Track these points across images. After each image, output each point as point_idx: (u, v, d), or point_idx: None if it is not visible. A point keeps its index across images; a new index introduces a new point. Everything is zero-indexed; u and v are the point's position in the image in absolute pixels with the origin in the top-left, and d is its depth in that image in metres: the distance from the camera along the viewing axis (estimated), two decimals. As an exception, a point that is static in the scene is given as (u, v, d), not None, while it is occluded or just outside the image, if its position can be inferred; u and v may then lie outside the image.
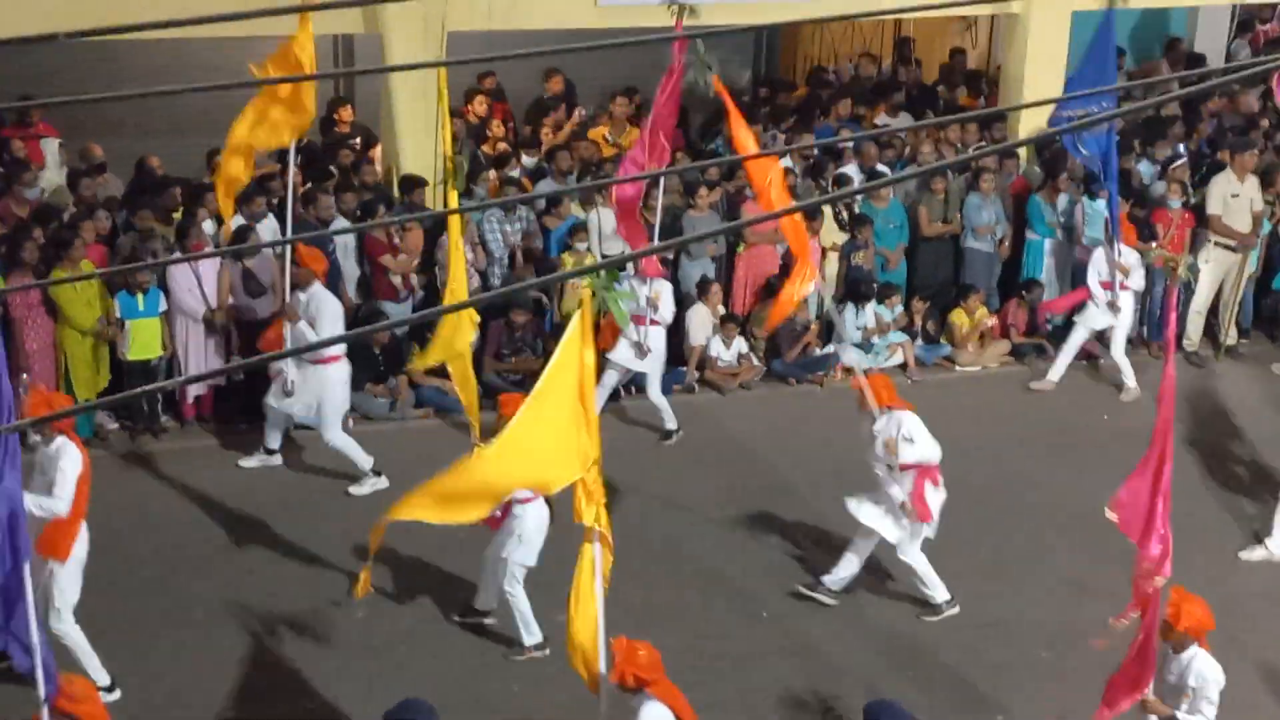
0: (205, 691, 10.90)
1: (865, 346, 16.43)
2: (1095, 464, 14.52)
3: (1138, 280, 16.10)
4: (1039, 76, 17.55)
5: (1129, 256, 15.92)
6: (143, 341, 14.19)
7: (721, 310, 16.15)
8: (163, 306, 14.29)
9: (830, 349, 16.41)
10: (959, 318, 16.87)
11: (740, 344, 16.17)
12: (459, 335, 12.75)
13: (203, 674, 11.09)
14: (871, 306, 16.36)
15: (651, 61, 19.65)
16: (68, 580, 10.44)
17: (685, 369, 15.94)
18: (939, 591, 11.97)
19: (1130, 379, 16.15)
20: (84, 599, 11.21)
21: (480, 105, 17.97)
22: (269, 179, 15.32)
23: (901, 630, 11.88)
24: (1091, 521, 13.03)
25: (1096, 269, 15.99)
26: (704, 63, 12.92)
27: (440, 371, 14.86)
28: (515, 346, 15.41)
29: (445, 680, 10.86)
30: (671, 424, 14.94)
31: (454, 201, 12.40)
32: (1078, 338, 16.33)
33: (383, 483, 13.61)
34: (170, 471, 13.96)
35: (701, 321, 15.99)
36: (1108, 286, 15.94)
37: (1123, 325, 16.21)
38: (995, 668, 11.43)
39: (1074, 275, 17.05)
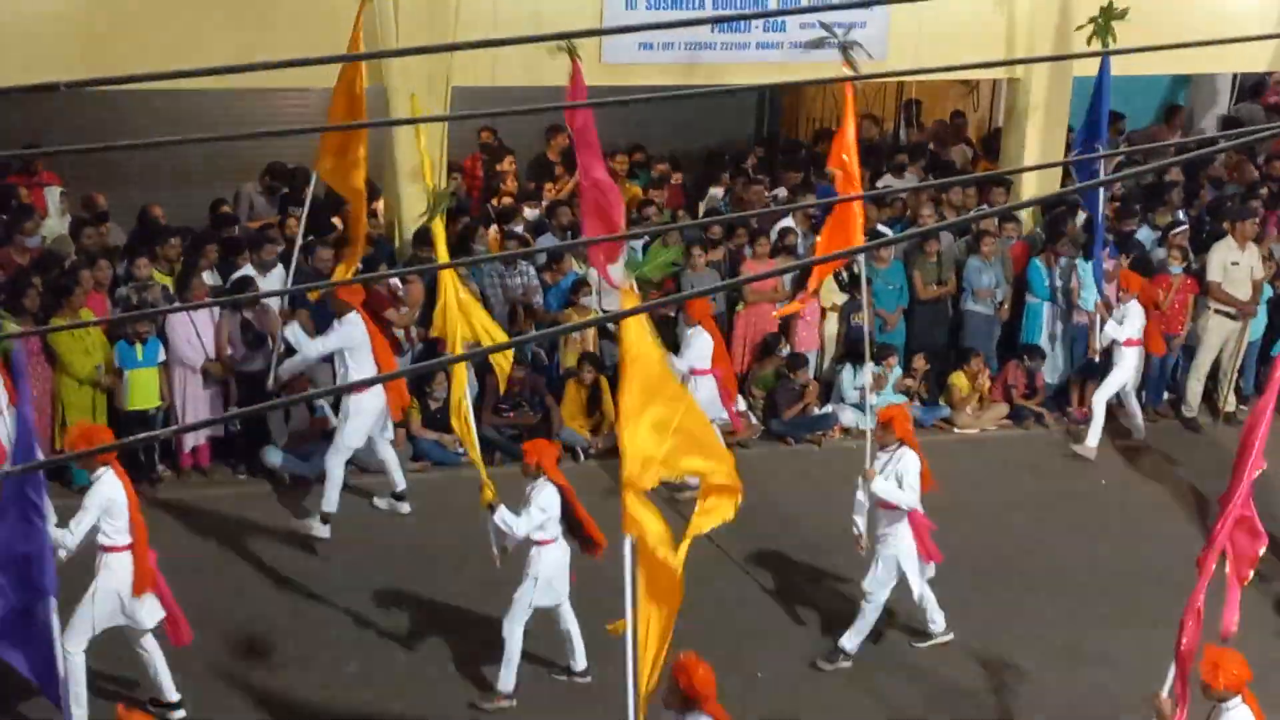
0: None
1: (863, 407, 16.41)
2: (1093, 528, 14.55)
3: (1127, 331, 15.97)
4: (1040, 140, 17.60)
5: (1131, 309, 15.90)
6: (141, 391, 14.17)
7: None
8: (161, 357, 14.28)
9: (829, 409, 16.40)
10: (959, 380, 16.87)
11: (739, 402, 16.16)
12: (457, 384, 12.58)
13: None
14: (869, 366, 16.36)
15: (657, 118, 19.80)
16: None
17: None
18: (854, 642, 12.03)
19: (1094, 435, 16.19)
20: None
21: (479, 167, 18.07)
22: (269, 228, 15.36)
23: (897, 695, 11.83)
24: (1089, 586, 13.09)
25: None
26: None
27: (438, 425, 14.88)
28: (514, 401, 15.40)
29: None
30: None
31: (439, 231, 12.20)
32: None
33: (324, 531, 13.57)
34: (166, 522, 13.89)
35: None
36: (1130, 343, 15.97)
37: (1121, 375, 16.16)
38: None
39: (1072, 340, 17.07)
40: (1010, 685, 11.97)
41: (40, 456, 9.16)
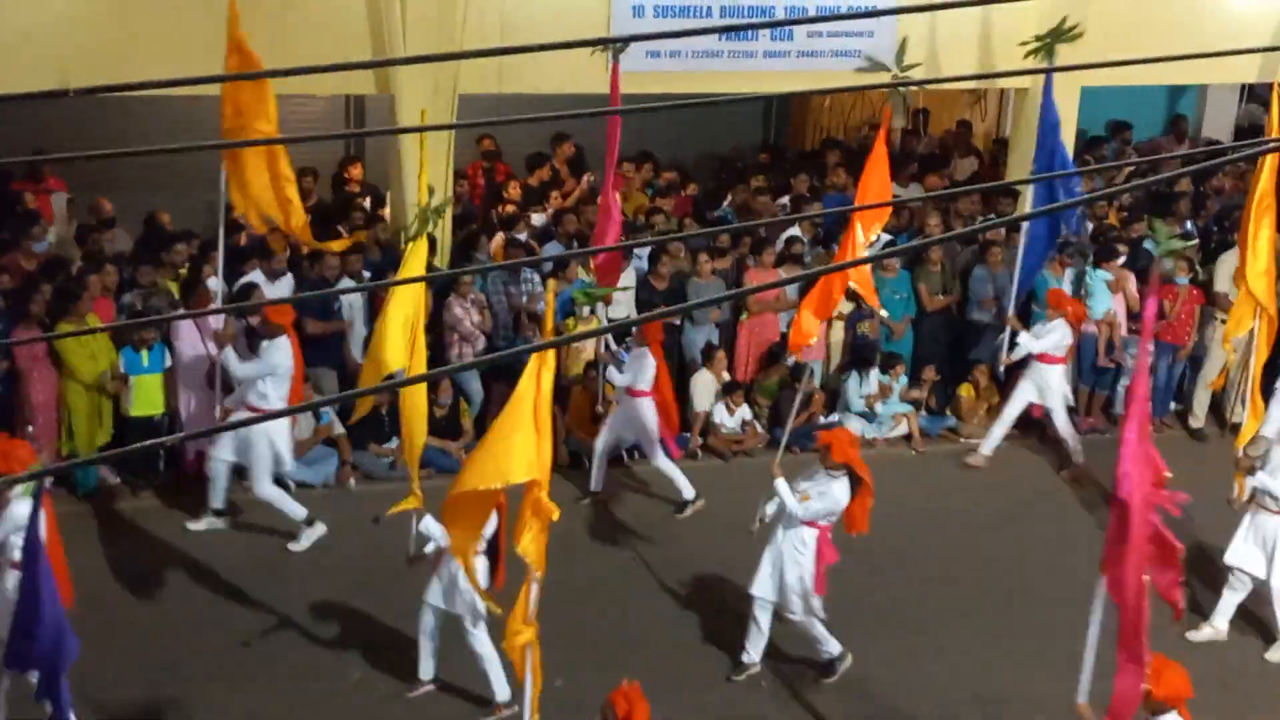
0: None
1: (869, 416, 16.41)
2: (1097, 538, 14.45)
3: (1044, 345, 15.69)
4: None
5: (1057, 326, 15.67)
6: (146, 397, 14.18)
7: (726, 377, 16.13)
8: (166, 363, 14.28)
9: (834, 418, 16.38)
10: (965, 391, 16.86)
11: (744, 411, 16.15)
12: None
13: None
14: (875, 375, 16.36)
15: (662, 127, 19.79)
16: None
17: (689, 435, 15.91)
18: (833, 645, 11.92)
19: (1076, 455, 16.08)
20: (81, 652, 11.17)
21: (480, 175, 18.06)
22: (274, 231, 15.35)
23: (902, 707, 11.80)
24: (1088, 596, 13.00)
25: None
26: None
27: (443, 432, 14.87)
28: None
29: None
30: (689, 493, 14.82)
31: (421, 250, 11.81)
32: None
33: (319, 529, 13.63)
34: (170, 527, 13.91)
35: (705, 387, 15.97)
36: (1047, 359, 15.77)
37: (1053, 396, 15.95)
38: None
39: (1079, 349, 17.04)
40: (1013, 696, 11.93)
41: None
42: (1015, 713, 11.72)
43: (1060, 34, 15.98)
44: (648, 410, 14.39)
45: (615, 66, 14.14)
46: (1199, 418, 17.20)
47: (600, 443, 14.77)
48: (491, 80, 15.64)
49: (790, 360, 16.24)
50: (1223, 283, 16.74)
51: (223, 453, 13.61)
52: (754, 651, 12.01)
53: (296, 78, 14.51)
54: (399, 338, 11.63)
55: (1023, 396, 15.88)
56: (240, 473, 13.77)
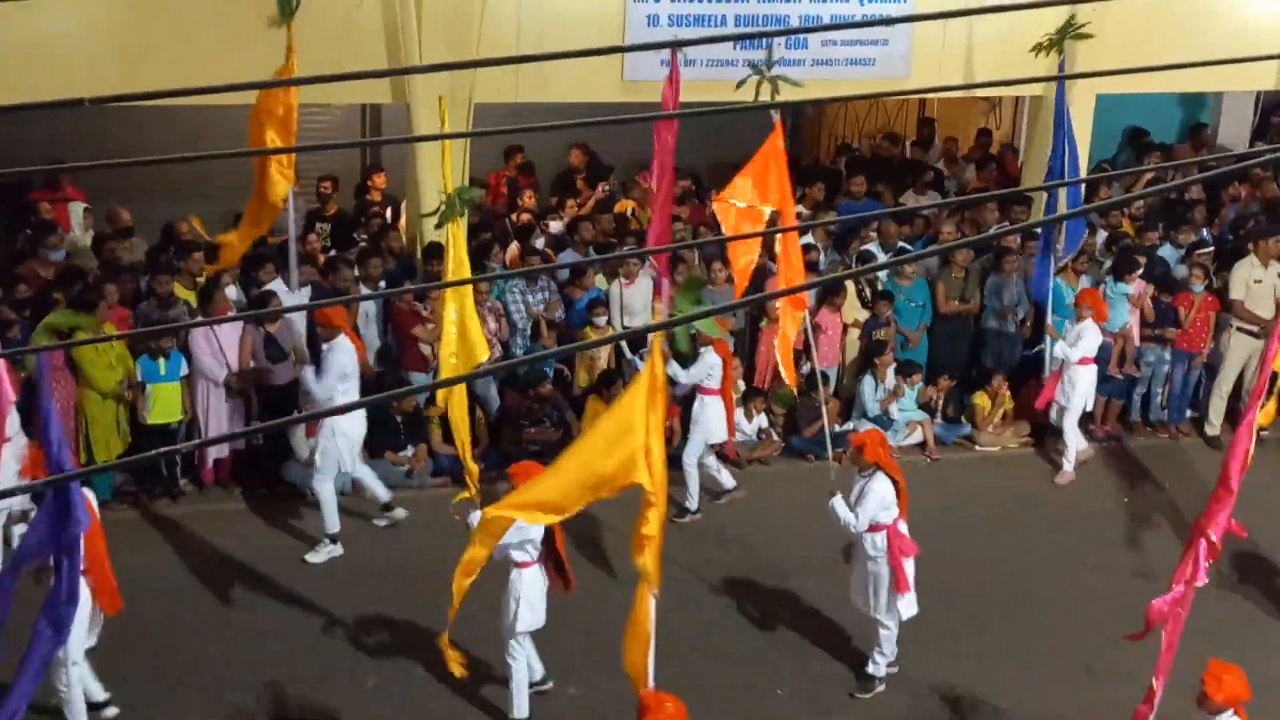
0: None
1: (884, 423, 16.41)
2: (1113, 546, 14.50)
3: (1080, 351, 15.73)
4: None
5: (1087, 329, 15.68)
6: (163, 405, 14.23)
7: (741, 385, 16.14)
8: (184, 371, 14.33)
9: (849, 425, 16.38)
10: (980, 399, 16.86)
11: (761, 419, 16.15)
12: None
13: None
14: (891, 380, 16.36)
15: (679, 136, 19.79)
16: None
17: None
18: (882, 668, 11.93)
19: (1069, 461, 16.08)
20: (98, 660, 11.24)
21: (503, 184, 18.11)
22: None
23: (914, 713, 11.81)
24: (1105, 603, 13.02)
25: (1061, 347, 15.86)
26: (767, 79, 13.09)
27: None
28: (535, 417, 15.41)
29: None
30: (692, 503, 14.85)
31: (459, 234, 12.11)
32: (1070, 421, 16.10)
33: (337, 550, 13.64)
34: (187, 535, 13.96)
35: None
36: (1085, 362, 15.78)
37: (1079, 399, 15.96)
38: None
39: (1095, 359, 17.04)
40: (1027, 701, 11.93)
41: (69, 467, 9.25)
42: (1025, 718, 11.73)
43: (1069, 30, 15.98)
44: (717, 409, 14.51)
45: (674, 66, 14.02)
46: (1214, 425, 17.16)
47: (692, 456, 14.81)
48: (507, 89, 15.68)
49: (805, 369, 16.24)
50: (1238, 290, 16.72)
51: (328, 476, 13.58)
52: (880, 664, 12.05)
53: (313, 88, 14.63)
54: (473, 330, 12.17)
55: (1077, 403, 15.92)
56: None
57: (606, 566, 13.60)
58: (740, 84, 13.90)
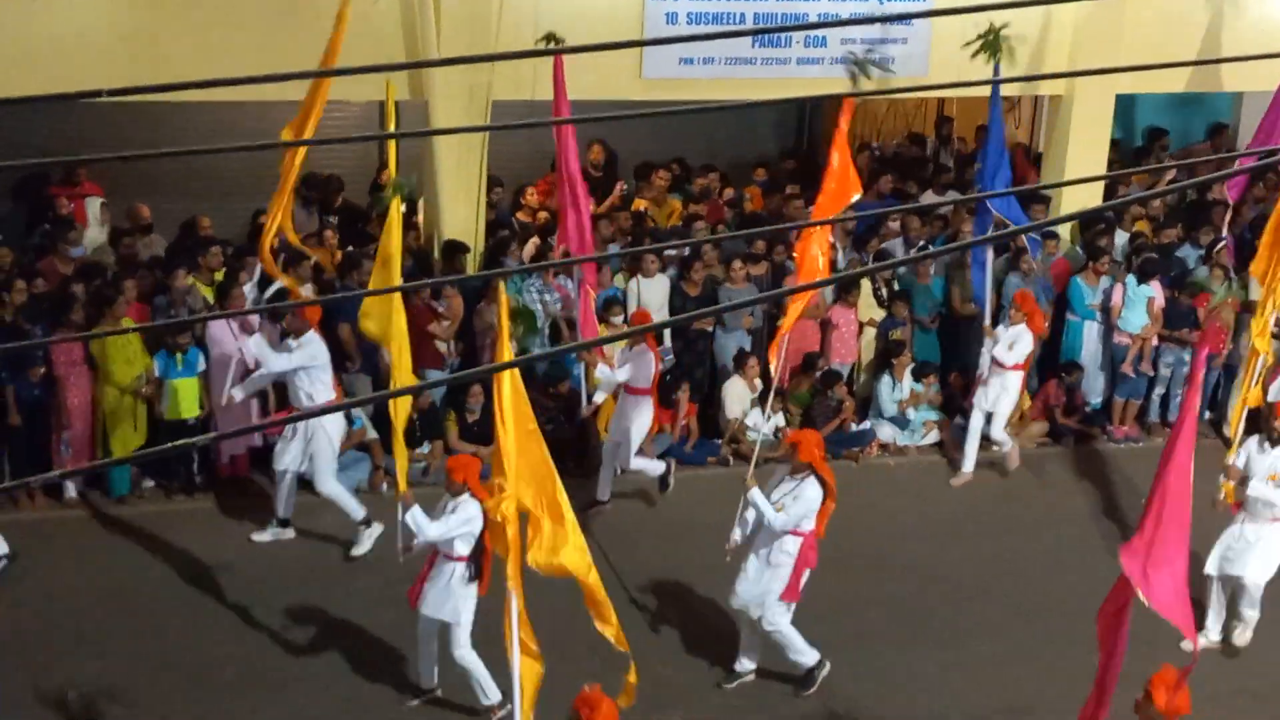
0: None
1: (901, 423, 16.38)
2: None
3: (1017, 355, 15.57)
4: (1082, 156, 17.53)
5: (1013, 333, 15.55)
6: (181, 401, 14.24)
7: (759, 384, 16.12)
8: (201, 366, 14.34)
9: (866, 425, 16.36)
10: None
11: (778, 418, 16.13)
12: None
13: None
14: (908, 381, 16.33)
15: (695, 133, 19.81)
16: None
17: (719, 441, 15.92)
18: (809, 656, 11.79)
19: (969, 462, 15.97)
20: (113, 655, 11.26)
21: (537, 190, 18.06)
22: (309, 239, 15.42)
23: (926, 716, 11.77)
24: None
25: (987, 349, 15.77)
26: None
27: (476, 437, 14.90)
28: (549, 416, 15.39)
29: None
30: (660, 468, 14.82)
31: (395, 213, 11.90)
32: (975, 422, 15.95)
33: (377, 529, 13.66)
34: (204, 531, 13.97)
35: (738, 394, 15.96)
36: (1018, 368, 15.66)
37: (1006, 403, 15.82)
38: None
39: (1113, 357, 17.00)
40: (1039, 705, 11.88)
41: None
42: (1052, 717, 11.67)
43: (997, 33, 15.92)
44: (645, 409, 14.40)
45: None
46: (1234, 426, 17.07)
47: (606, 449, 14.77)
48: (525, 86, 15.66)
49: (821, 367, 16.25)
50: (1259, 291, 16.64)
51: (289, 464, 13.57)
52: (747, 661, 11.96)
53: (331, 86, 14.61)
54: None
55: (981, 403, 15.77)
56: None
57: (614, 562, 13.60)
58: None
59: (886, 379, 16.36)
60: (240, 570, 13.34)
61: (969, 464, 15.93)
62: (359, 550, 13.69)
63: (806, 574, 11.46)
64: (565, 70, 14.10)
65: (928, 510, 15.24)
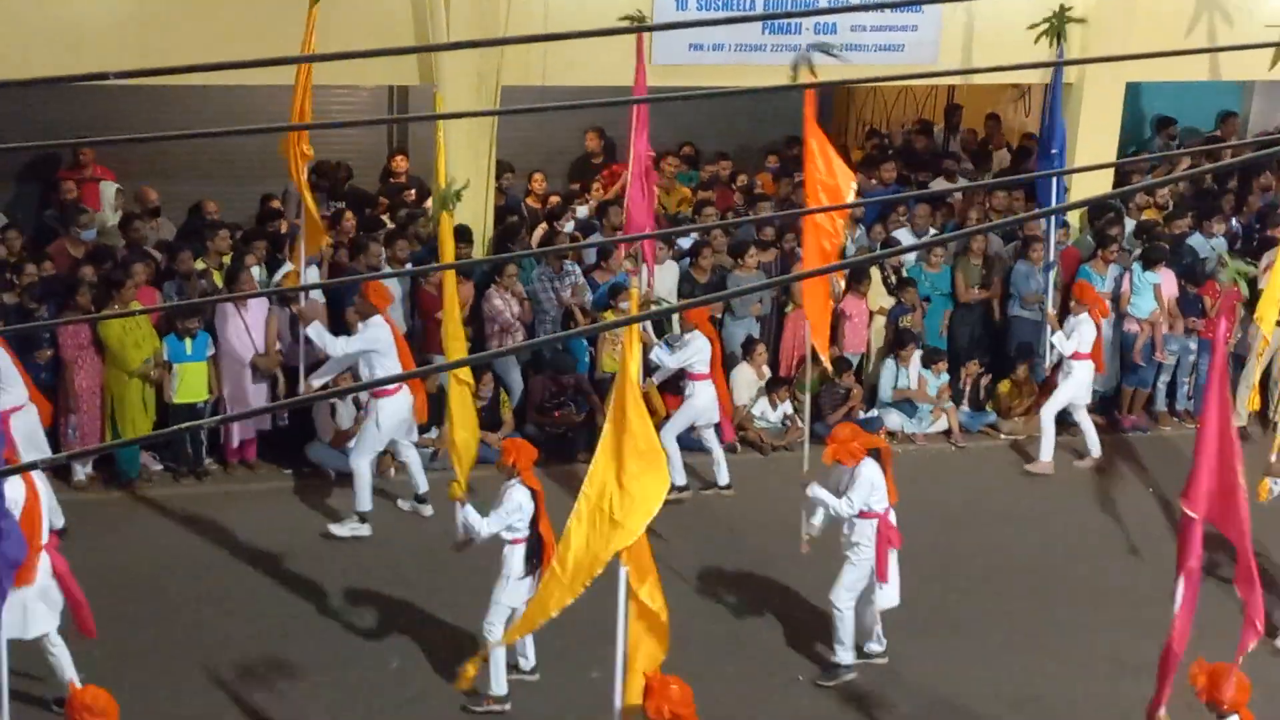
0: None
1: (907, 410, 16.38)
2: (1139, 535, 14.43)
3: (1074, 345, 15.62)
4: (1092, 145, 17.51)
5: (1083, 322, 15.57)
6: (190, 385, 14.27)
7: (767, 371, 16.12)
8: (210, 351, 14.37)
9: (874, 413, 16.35)
10: (1005, 387, 16.81)
11: (786, 406, 16.13)
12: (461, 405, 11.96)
13: (239, 718, 11.06)
14: (915, 369, 16.32)
15: (705, 119, 19.79)
16: None
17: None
18: (846, 654, 11.80)
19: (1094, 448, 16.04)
20: (122, 639, 11.28)
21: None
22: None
23: (939, 704, 11.74)
24: (1132, 596, 12.97)
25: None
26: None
27: (484, 423, 14.90)
28: (559, 401, 15.42)
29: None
30: (724, 479, 14.84)
31: (446, 225, 11.77)
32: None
33: (364, 530, 13.66)
34: (213, 515, 13.99)
35: (746, 381, 15.96)
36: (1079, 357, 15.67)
37: (1081, 392, 15.91)
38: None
39: (1121, 346, 16.98)
40: (1052, 694, 11.88)
41: None
42: (1056, 714, 11.67)
43: (1065, 16, 15.88)
44: (708, 394, 14.44)
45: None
46: (1241, 415, 17.05)
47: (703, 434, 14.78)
48: (535, 72, 15.67)
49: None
50: (1266, 279, 16.62)
51: (365, 455, 13.58)
52: (843, 651, 11.90)
53: (341, 70, 14.64)
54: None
55: (1062, 395, 15.82)
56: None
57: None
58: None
59: (890, 364, 16.35)
60: (246, 553, 13.36)
61: (1046, 454, 15.93)
62: (335, 531, 13.70)
63: (893, 554, 11.49)
64: (570, 57, 14.13)
65: (936, 498, 15.21)
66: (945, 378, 16.52)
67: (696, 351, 14.30)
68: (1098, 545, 14.28)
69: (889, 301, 16.76)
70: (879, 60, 16.55)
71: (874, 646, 12.05)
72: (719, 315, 16.30)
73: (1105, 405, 17.17)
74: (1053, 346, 15.90)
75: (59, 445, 13.90)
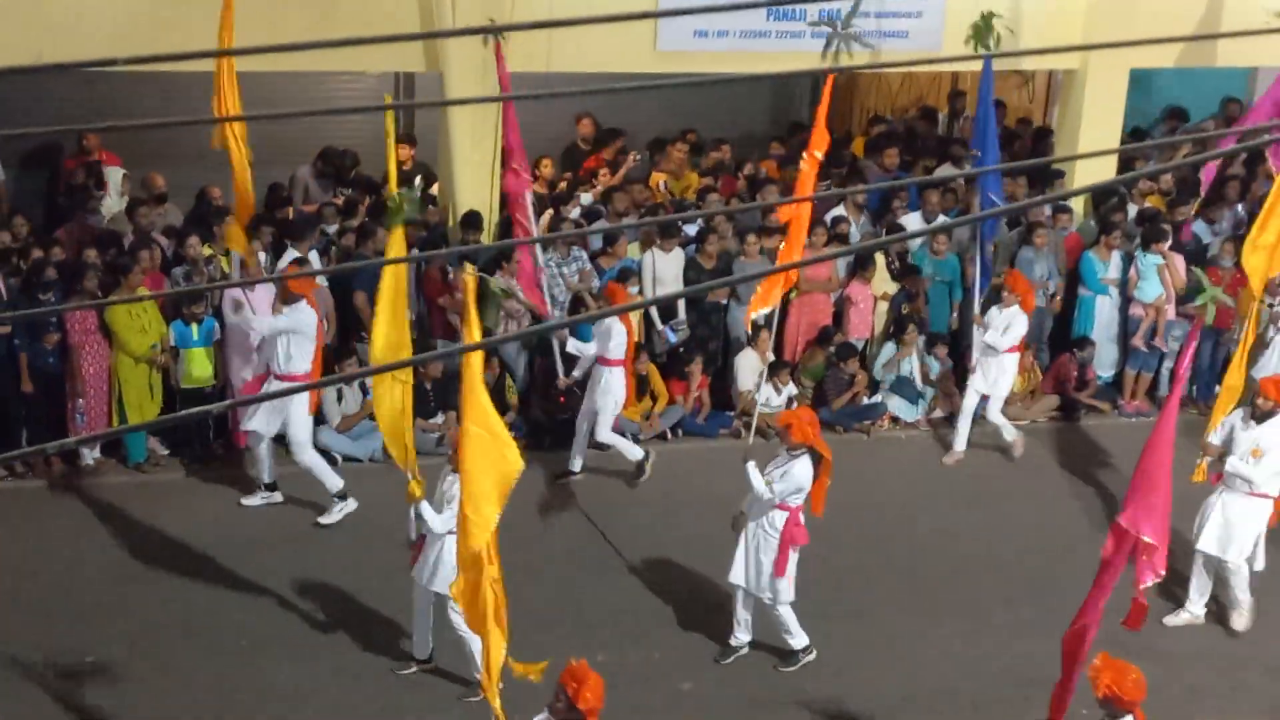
0: (249, 718, 10.96)
1: (911, 396, 16.41)
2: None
3: (1011, 338, 15.47)
4: (1095, 131, 17.53)
5: (1015, 315, 15.38)
6: (196, 370, 14.34)
7: (771, 356, 16.17)
8: (216, 336, 14.43)
9: (878, 398, 16.40)
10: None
11: (791, 389, 16.17)
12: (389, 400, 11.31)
13: (244, 701, 11.14)
14: (917, 355, 16.37)
15: (710, 105, 19.82)
16: None
17: (731, 414, 15.99)
18: (800, 639, 11.86)
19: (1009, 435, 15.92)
20: (129, 623, 11.36)
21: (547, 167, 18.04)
22: (325, 206, 15.51)
23: (942, 688, 11.82)
24: (1131, 577, 12.99)
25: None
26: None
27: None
28: (565, 388, 15.46)
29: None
30: (638, 453, 14.68)
31: (396, 241, 10.91)
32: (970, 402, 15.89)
33: (350, 505, 13.79)
34: (220, 499, 14.06)
35: (750, 366, 16.01)
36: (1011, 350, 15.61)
37: (1003, 385, 15.77)
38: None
39: (1126, 330, 17.02)
40: (1054, 677, 11.91)
41: None
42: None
43: (990, 18, 15.89)
44: (618, 379, 14.45)
45: None
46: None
47: (581, 420, 14.80)
48: (540, 58, 15.69)
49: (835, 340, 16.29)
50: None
51: (257, 425, 13.70)
52: (741, 635, 11.98)
53: (347, 56, 14.66)
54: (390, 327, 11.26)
55: (978, 386, 15.73)
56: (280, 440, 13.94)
57: (619, 534, 13.69)
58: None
59: (888, 347, 16.40)
60: (253, 536, 13.44)
61: (960, 442, 15.89)
62: (326, 520, 13.81)
63: (794, 551, 11.47)
64: (578, 43, 14.14)
65: (939, 483, 15.28)
66: (949, 363, 16.56)
67: (619, 337, 14.37)
68: (1098, 530, 14.24)
69: (893, 287, 16.80)
70: (884, 47, 16.59)
71: (741, 636, 12.04)
72: (725, 301, 16.36)
73: (1109, 391, 17.22)
74: (988, 345, 15.56)
75: (67, 429, 13.98)
